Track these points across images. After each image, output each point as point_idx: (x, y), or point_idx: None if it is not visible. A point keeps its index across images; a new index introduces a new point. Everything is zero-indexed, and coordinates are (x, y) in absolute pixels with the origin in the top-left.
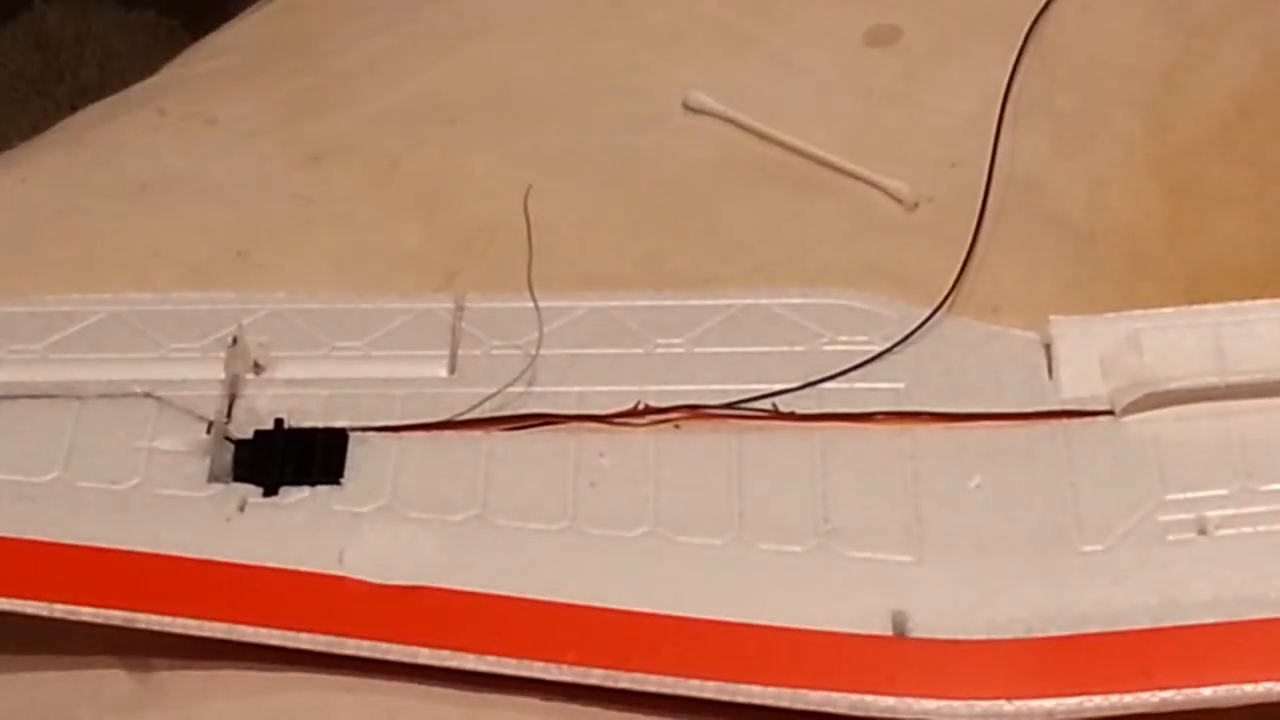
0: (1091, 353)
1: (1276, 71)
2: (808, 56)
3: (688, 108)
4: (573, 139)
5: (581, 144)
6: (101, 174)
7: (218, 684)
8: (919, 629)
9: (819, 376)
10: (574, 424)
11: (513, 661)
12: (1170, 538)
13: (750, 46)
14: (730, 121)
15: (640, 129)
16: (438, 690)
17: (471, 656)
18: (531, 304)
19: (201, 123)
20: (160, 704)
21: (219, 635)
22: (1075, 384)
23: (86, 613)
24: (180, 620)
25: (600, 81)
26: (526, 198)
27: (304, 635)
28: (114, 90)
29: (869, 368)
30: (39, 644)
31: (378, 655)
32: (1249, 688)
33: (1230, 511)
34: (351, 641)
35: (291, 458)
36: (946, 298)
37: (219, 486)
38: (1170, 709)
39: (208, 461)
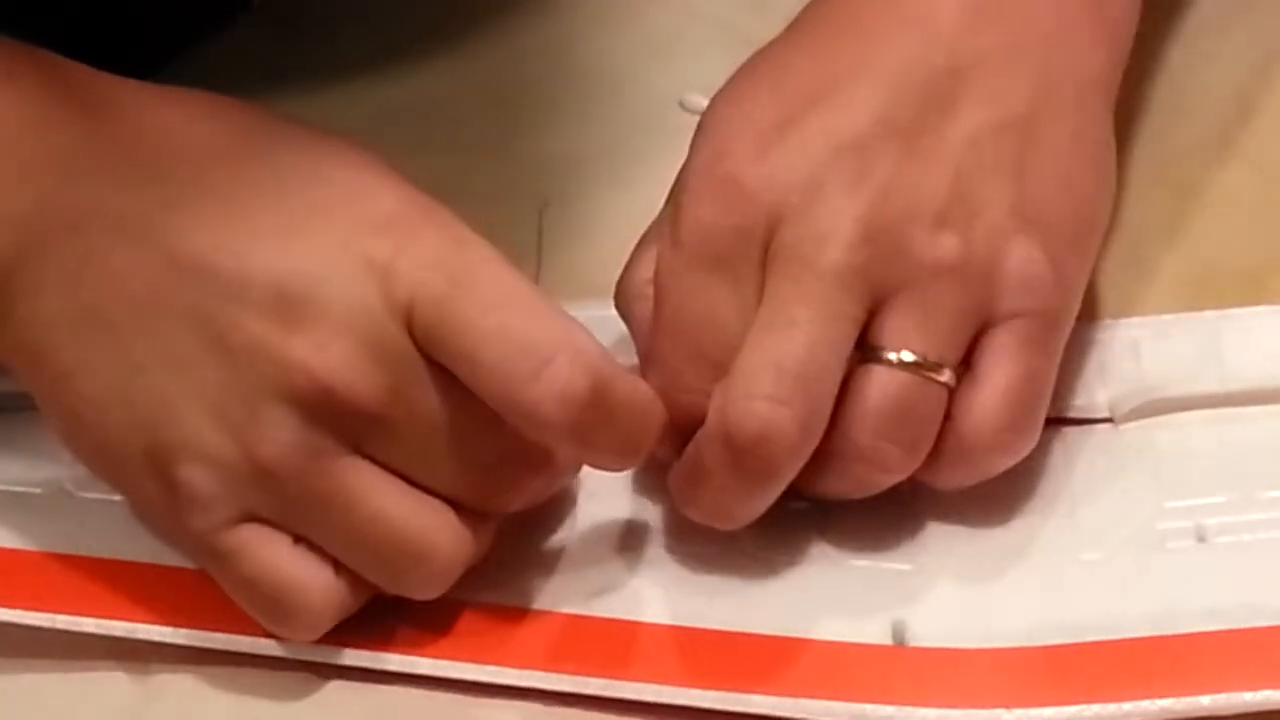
0: (1090, 359)
1: (1277, 71)
2: None
3: (685, 108)
4: (573, 139)
5: (581, 144)
6: None
7: (218, 686)
8: (918, 638)
9: None
10: None
11: (513, 671)
12: (1169, 545)
13: (750, 46)
14: None
15: (640, 129)
16: (439, 692)
17: (472, 666)
18: None
19: None
20: (160, 706)
21: (219, 646)
22: (1074, 391)
23: (88, 623)
24: (182, 631)
25: (600, 81)
26: (541, 215)
27: (304, 646)
28: None
29: None
30: (39, 647)
31: (377, 665)
32: (1248, 696)
33: (1229, 519)
34: (350, 652)
35: None
36: None
37: None
38: (1170, 717)
39: None
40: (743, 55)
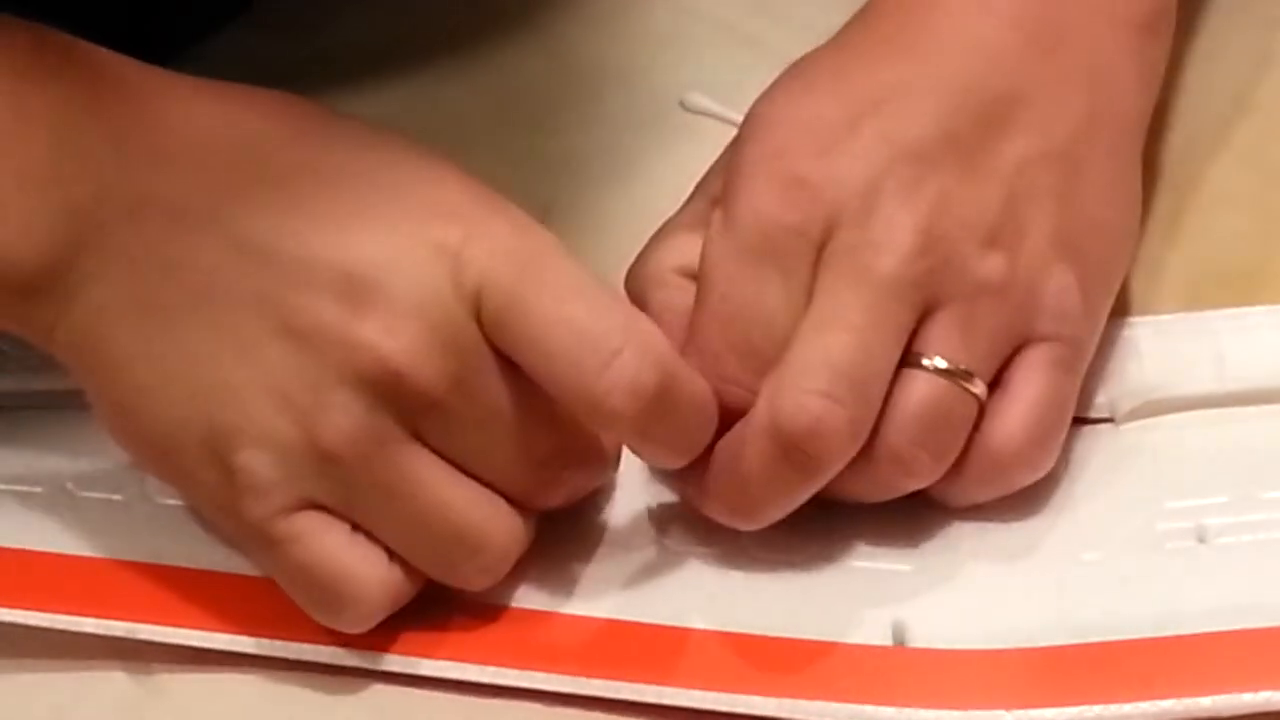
0: (1091, 359)
1: (1276, 71)
2: None
3: (685, 108)
4: (574, 139)
5: (582, 144)
6: None
7: (218, 686)
8: (918, 638)
9: None
10: None
11: (513, 672)
12: (1169, 546)
13: (750, 46)
14: (728, 122)
15: (641, 129)
16: (440, 693)
17: (473, 667)
18: None
19: None
20: (160, 706)
21: (221, 647)
22: None
23: (89, 623)
24: (183, 631)
25: (601, 81)
26: (548, 215)
27: (306, 647)
28: None
29: None
30: (39, 645)
31: (379, 667)
32: (1248, 696)
33: (1230, 519)
34: (355, 653)
35: None
36: None
37: None
38: (1170, 718)
39: None
40: (743, 55)
